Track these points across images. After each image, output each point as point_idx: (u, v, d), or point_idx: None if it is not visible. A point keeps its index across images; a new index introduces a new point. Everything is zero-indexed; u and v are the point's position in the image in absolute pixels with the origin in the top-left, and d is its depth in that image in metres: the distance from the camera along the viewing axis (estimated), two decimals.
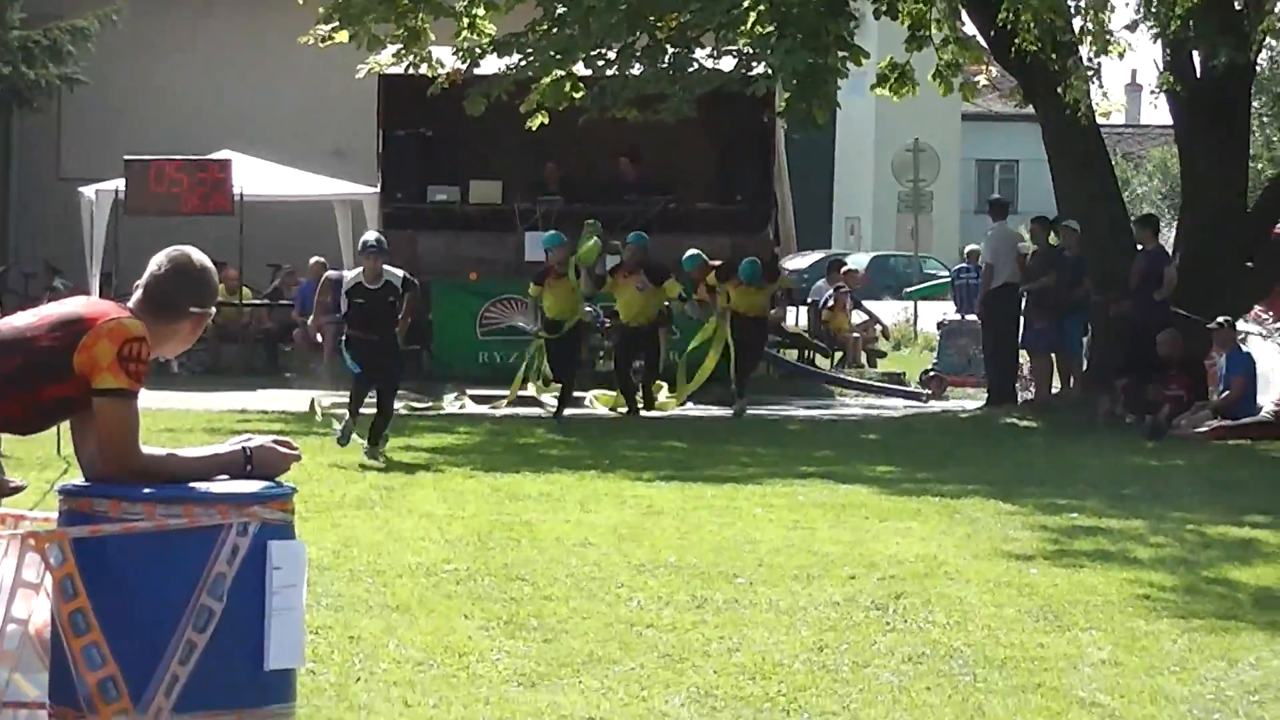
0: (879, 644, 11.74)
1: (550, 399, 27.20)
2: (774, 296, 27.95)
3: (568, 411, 25.66)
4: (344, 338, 20.39)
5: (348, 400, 21.10)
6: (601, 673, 10.65)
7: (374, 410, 20.77)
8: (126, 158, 30.22)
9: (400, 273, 20.32)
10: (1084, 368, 28.05)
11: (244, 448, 7.46)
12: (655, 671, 10.77)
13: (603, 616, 12.29)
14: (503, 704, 9.88)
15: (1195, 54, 26.33)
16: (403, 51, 28.42)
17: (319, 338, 22.82)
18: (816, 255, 35.83)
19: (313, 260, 32.32)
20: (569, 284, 25.14)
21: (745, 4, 27.60)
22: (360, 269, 20.41)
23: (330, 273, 22.65)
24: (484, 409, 27.16)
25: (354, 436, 20.70)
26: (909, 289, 45.98)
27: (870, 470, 20.76)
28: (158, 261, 7.53)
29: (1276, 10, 25.65)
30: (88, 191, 31.66)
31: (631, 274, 26.09)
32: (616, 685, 10.38)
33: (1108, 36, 25.67)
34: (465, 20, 28.44)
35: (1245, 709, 10.25)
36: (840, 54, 27.98)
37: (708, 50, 28.18)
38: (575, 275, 25.21)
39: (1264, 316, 26.97)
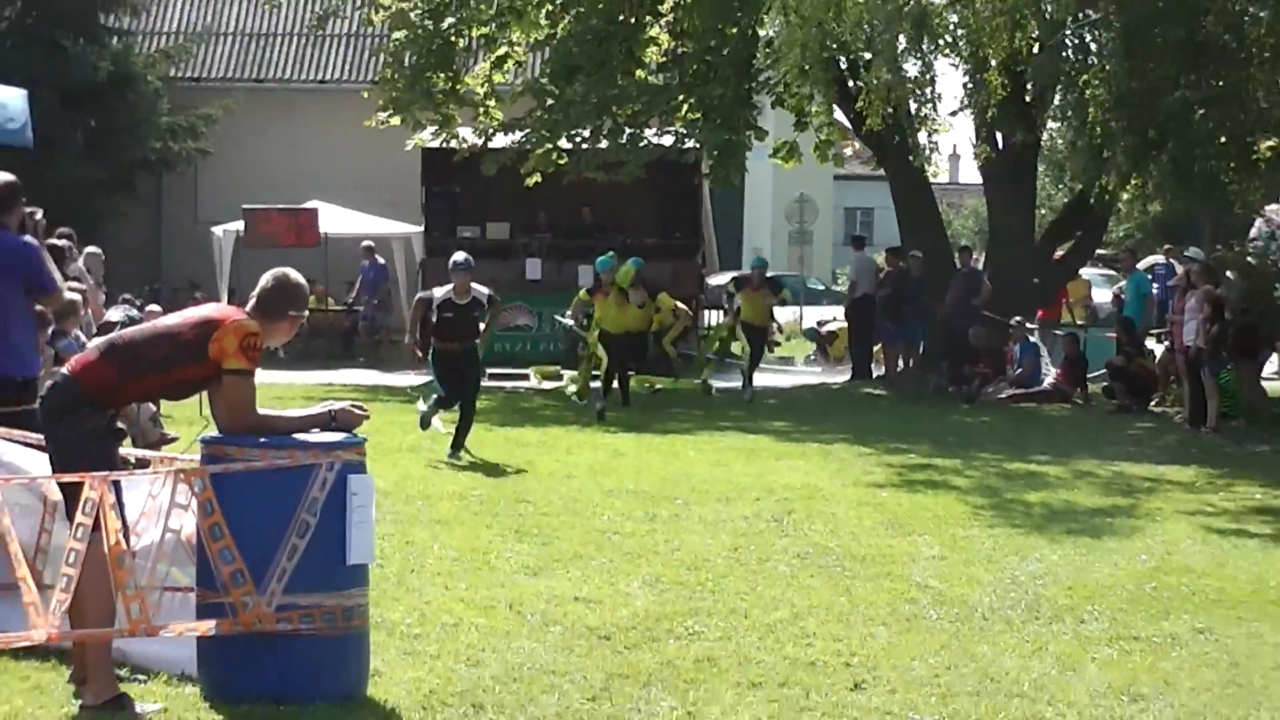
0: (776, 545, 11.86)
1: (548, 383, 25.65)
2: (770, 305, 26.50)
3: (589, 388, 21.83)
4: (431, 350, 16.58)
5: (435, 401, 16.96)
6: (582, 565, 10.80)
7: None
8: (244, 206, 29.98)
9: (486, 290, 16.74)
10: (920, 353, 28.05)
11: (329, 410, 7.59)
12: (620, 564, 10.90)
13: (583, 526, 12.42)
14: (514, 587, 10.00)
15: (999, 134, 26.40)
16: (438, 131, 28.37)
17: (418, 353, 17.38)
18: (730, 274, 35.64)
19: (363, 244, 32.11)
20: (615, 299, 21.52)
21: (680, 97, 27.63)
22: (451, 285, 16.32)
23: (421, 293, 18.59)
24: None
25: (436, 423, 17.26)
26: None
27: (770, 425, 20.65)
28: (265, 279, 7.64)
29: (1054, 103, 25.68)
30: (217, 230, 31.42)
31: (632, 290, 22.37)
32: (593, 574, 10.51)
33: (935, 122, 25.74)
34: (482, 109, 28.42)
35: (1032, 590, 10.35)
36: (748, 132, 28.04)
37: (653, 130, 28.14)
38: (621, 292, 21.90)
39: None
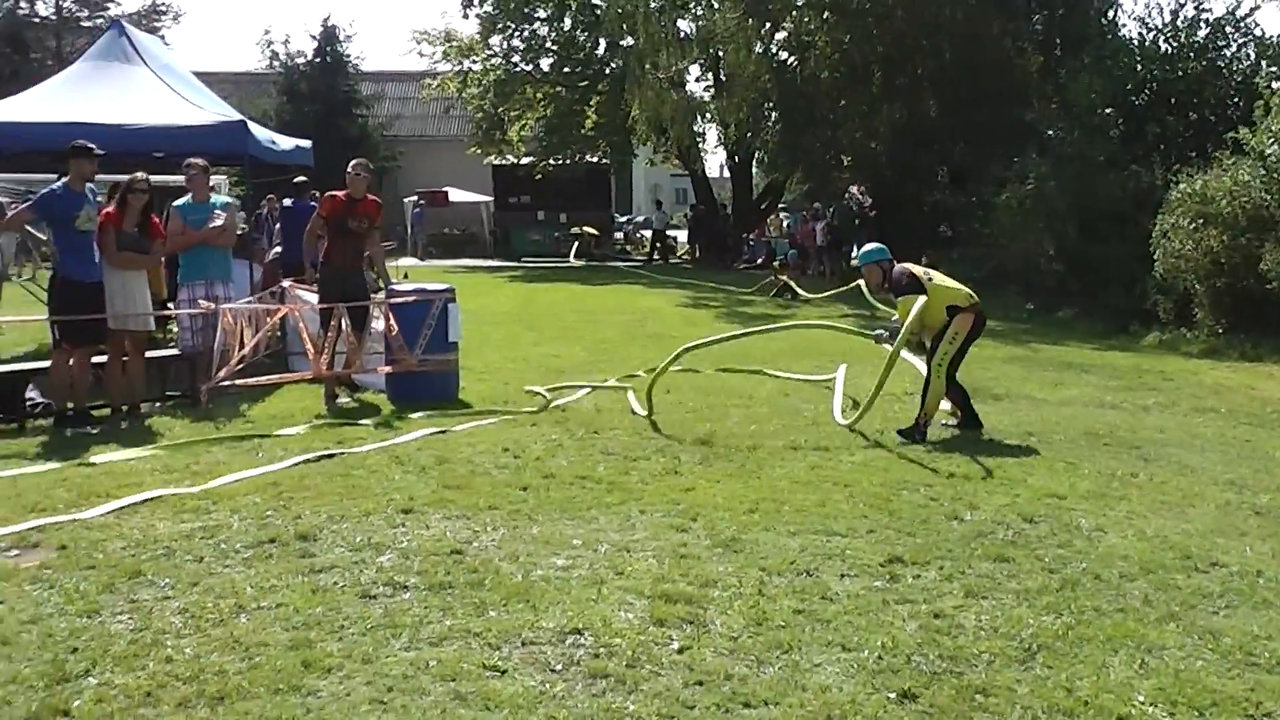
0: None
1: None
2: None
3: None
4: None
5: None
6: (556, 344, 10.07)
7: None
8: (416, 190, 29.20)
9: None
10: (707, 247, 27.35)
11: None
12: (559, 335, 10.30)
13: (557, 325, 11.55)
14: (526, 352, 9.43)
15: (736, 155, 25.83)
16: (497, 156, 27.80)
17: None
18: (625, 217, 34.69)
19: (445, 189, 30.14)
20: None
21: (600, 140, 26.82)
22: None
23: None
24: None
25: None
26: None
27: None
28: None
29: (760, 140, 24.67)
30: (407, 200, 30.44)
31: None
32: (550, 341, 9.89)
33: (706, 151, 25.19)
34: (515, 146, 27.56)
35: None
36: (632, 154, 27.55)
37: (590, 155, 27.58)
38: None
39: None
